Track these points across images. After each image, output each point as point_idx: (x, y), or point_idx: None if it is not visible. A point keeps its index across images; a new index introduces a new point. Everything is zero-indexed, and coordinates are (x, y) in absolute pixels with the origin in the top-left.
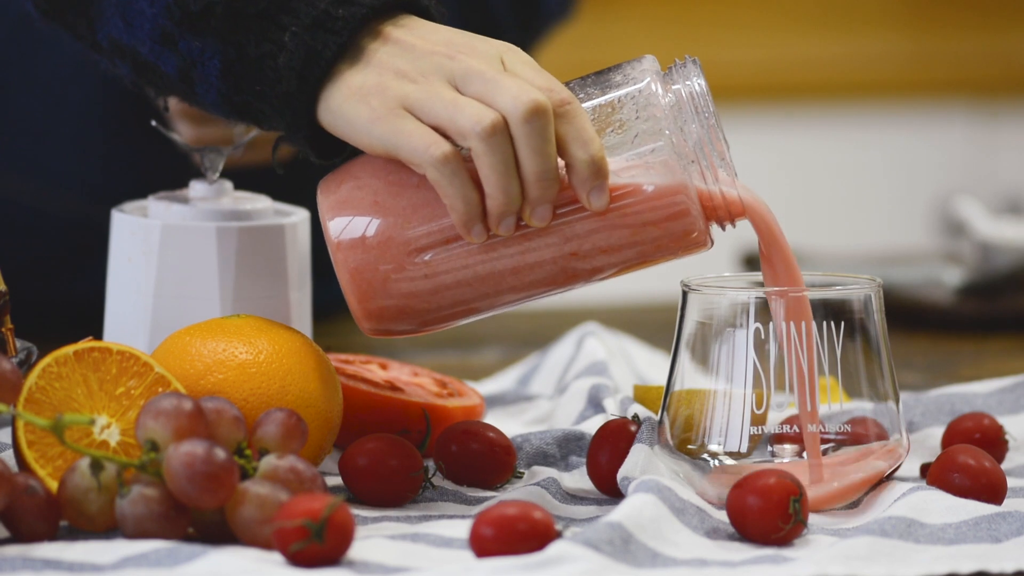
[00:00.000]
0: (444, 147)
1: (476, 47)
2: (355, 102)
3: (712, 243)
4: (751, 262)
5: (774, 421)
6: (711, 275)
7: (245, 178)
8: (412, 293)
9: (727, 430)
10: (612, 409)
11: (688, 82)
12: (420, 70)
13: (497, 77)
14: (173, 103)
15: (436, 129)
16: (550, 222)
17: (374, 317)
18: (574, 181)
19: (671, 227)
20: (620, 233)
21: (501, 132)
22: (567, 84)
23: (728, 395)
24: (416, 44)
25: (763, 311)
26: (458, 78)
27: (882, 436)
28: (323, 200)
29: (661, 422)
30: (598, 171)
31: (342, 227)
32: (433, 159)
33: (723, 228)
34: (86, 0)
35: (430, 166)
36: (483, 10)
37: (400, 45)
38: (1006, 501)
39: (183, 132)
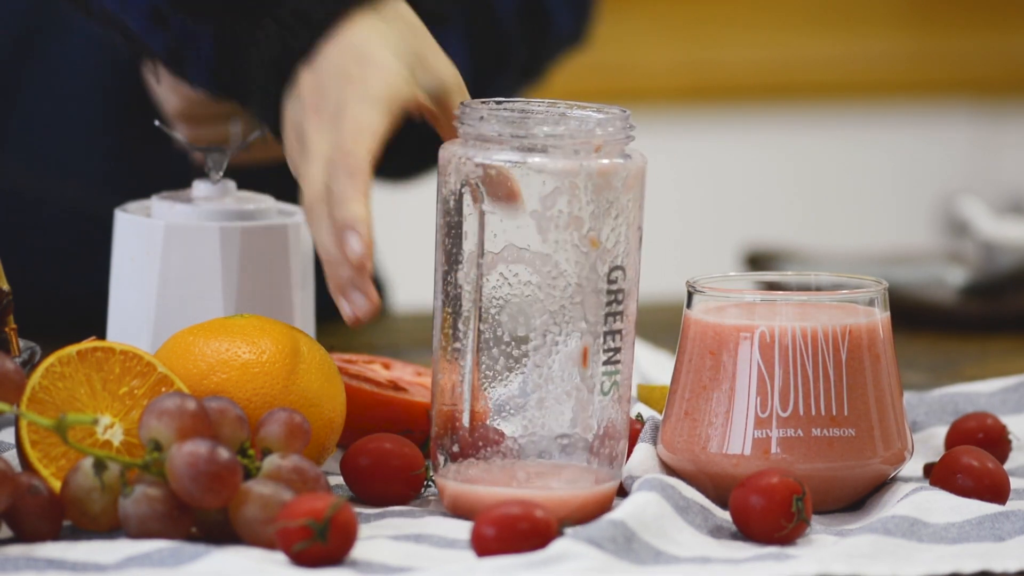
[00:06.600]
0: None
1: (331, 94)
2: (287, 129)
3: None
4: (754, 262)
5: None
6: (716, 275)
7: (248, 178)
8: None
9: (730, 431)
10: None
11: None
12: (314, 106)
13: (306, 156)
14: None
15: None
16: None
17: None
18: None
19: None
20: None
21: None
22: None
23: (731, 396)
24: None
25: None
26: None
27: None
28: None
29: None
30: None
31: None
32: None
33: None
34: None
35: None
36: (490, 25)
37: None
38: (1009, 501)
39: (181, 133)
